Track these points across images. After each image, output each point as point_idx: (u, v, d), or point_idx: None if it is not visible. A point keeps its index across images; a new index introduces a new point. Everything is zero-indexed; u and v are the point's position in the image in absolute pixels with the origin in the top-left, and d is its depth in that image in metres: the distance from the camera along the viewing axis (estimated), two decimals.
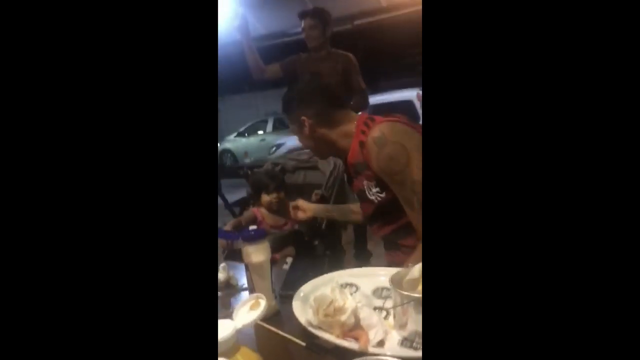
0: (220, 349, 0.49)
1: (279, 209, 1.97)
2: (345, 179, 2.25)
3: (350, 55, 2.49)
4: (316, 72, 2.38)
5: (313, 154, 1.50)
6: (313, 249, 1.98)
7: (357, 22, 3.65)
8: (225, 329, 0.51)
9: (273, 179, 2.01)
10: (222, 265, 1.05)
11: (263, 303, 0.64)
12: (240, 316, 0.61)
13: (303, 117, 1.19)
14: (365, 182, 1.18)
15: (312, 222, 1.99)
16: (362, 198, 1.23)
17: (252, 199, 2.14)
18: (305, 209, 1.48)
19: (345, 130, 1.20)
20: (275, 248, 1.79)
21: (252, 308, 0.63)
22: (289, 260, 1.58)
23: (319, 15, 2.45)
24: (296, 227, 1.99)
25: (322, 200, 2.06)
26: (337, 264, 1.84)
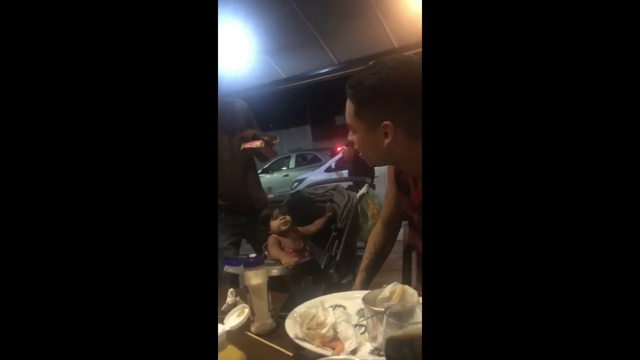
0: None
1: (289, 230, 2.12)
2: (359, 210, 2.38)
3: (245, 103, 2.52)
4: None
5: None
6: (329, 277, 2.10)
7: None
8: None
9: (274, 206, 2.22)
10: (230, 290, 1.19)
11: (247, 311, 0.80)
12: (230, 321, 0.77)
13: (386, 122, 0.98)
14: None
15: (328, 253, 2.13)
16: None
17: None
18: None
19: None
20: (296, 275, 1.94)
21: (238, 315, 0.79)
22: (309, 281, 1.82)
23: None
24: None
25: (337, 231, 2.19)
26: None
